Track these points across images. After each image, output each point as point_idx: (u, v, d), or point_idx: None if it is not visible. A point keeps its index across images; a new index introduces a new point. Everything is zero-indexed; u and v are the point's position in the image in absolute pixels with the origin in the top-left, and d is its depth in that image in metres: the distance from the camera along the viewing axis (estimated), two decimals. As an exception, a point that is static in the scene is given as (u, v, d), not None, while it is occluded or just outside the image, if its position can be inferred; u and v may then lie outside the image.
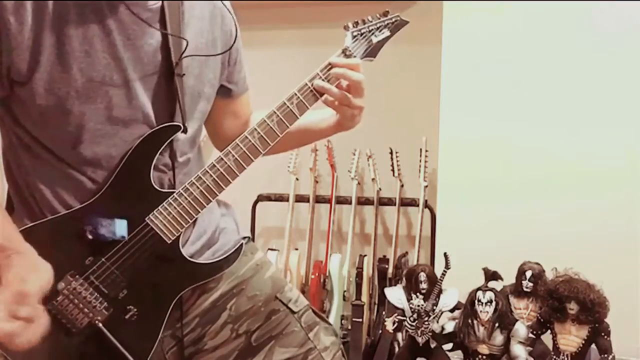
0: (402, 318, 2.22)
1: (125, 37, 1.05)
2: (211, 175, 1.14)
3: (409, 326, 2.19)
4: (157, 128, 1.10)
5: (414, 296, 2.21)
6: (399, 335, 2.39)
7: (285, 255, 2.84)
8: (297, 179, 2.93)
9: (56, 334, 1.08)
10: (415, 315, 2.17)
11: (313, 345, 1.26)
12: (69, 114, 1.03)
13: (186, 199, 1.12)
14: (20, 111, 1.05)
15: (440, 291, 2.18)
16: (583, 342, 2.05)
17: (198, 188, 1.13)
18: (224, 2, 1.23)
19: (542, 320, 2.14)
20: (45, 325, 0.97)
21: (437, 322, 2.19)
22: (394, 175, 2.85)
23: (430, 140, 2.71)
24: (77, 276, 1.08)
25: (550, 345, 2.13)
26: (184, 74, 1.12)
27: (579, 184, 2.37)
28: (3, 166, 1.14)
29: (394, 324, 2.23)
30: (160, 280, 1.09)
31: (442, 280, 2.15)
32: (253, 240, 1.37)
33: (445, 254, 2.11)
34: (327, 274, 2.82)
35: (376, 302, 2.80)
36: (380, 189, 2.90)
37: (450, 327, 2.23)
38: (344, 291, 2.82)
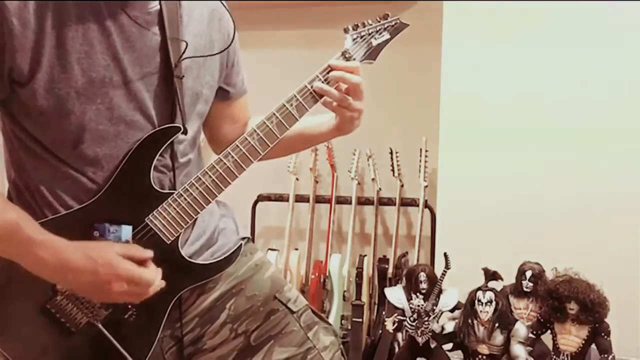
0: (402, 318, 2.22)
1: (124, 39, 1.06)
2: (210, 177, 1.14)
3: (409, 326, 2.19)
4: (157, 129, 1.11)
5: (414, 296, 2.21)
6: (399, 335, 2.39)
7: (285, 255, 2.84)
8: (297, 179, 2.94)
9: (55, 333, 1.09)
10: (415, 315, 2.17)
11: (312, 345, 1.26)
12: (69, 114, 1.04)
13: (186, 199, 1.13)
14: (20, 112, 1.06)
15: (440, 291, 2.18)
16: (583, 342, 2.05)
17: (198, 189, 1.14)
18: (223, 3, 1.23)
19: (542, 320, 2.14)
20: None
21: (437, 322, 2.20)
22: (394, 175, 2.85)
23: (430, 140, 2.71)
24: None
25: (550, 345, 2.13)
26: (183, 76, 1.13)
27: (579, 185, 2.37)
28: (5, 167, 1.14)
29: (394, 324, 2.23)
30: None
31: (442, 280, 2.15)
32: (253, 240, 1.37)
33: (445, 254, 2.11)
34: (327, 274, 2.82)
35: (376, 302, 2.80)
36: (380, 189, 2.90)
37: (450, 327, 2.23)
38: (344, 291, 2.82)
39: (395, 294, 2.27)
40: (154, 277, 1.06)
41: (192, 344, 1.23)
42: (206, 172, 1.15)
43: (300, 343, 1.26)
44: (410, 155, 2.81)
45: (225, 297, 1.25)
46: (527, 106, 2.43)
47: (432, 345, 2.18)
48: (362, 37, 1.27)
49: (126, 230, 1.07)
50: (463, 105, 2.50)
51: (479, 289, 2.14)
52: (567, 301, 2.04)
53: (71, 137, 1.06)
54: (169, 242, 1.12)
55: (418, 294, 2.22)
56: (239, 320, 1.24)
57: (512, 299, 2.26)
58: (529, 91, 2.43)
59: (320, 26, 3.00)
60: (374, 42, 1.28)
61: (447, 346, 2.23)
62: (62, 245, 1.00)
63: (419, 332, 2.16)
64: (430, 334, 2.16)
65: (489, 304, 2.11)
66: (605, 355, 2.03)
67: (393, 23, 1.31)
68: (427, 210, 2.79)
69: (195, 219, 1.16)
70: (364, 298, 2.72)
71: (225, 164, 1.15)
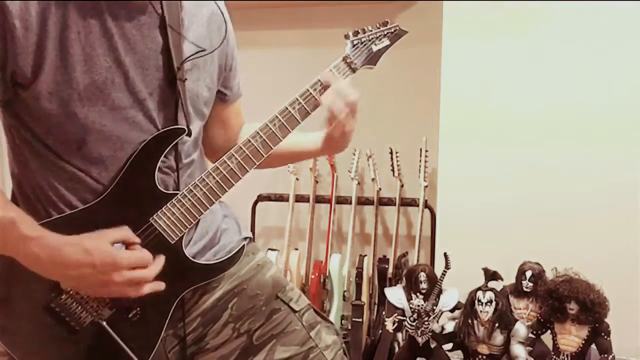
0: (402, 318, 2.22)
1: (125, 41, 1.06)
2: (214, 178, 1.15)
3: (409, 326, 2.19)
4: (162, 131, 1.12)
5: (414, 296, 2.21)
6: (399, 335, 2.39)
7: (285, 255, 2.84)
8: (297, 179, 2.94)
9: (60, 332, 1.10)
10: (415, 315, 2.17)
11: (314, 344, 1.27)
12: (72, 116, 1.04)
13: (190, 200, 1.14)
14: (24, 113, 1.06)
15: (440, 291, 2.19)
16: (583, 342, 2.06)
17: (202, 190, 1.15)
18: (219, 5, 1.24)
19: (542, 320, 2.15)
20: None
21: (437, 322, 2.20)
22: (394, 175, 2.85)
23: (430, 140, 2.71)
24: None
25: (550, 345, 2.14)
26: (186, 79, 1.14)
27: (579, 185, 2.37)
28: (8, 165, 1.15)
29: (394, 324, 2.23)
30: (163, 280, 1.10)
31: (442, 280, 2.15)
32: (253, 240, 1.38)
33: (445, 254, 2.11)
34: (327, 274, 2.83)
35: (376, 302, 2.80)
36: (380, 189, 2.90)
37: (450, 327, 2.23)
38: (344, 291, 2.83)
39: (395, 294, 2.28)
40: (150, 257, 1.07)
41: (194, 343, 1.24)
42: (210, 173, 1.16)
43: (303, 342, 1.26)
44: (410, 155, 2.82)
45: (227, 297, 1.25)
46: (527, 106, 2.43)
47: (432, 345, 2.18)
48: (362, 42, 1.28)
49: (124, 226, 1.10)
50: (463, 105, 2.50)
51: (479, 289, 2.15)
52: (567, 301, 2.04)
53: (75, 138, 1.06)
54: (173, 242, 1.13)
55: (418, 294, 2.22)
56: (241, 319, 1.25)
57: (512, 299, 2.26)
58: (529, 91, 2.43)
59: (320, 26, 3.00)
60: (374, 48, 1.30)
61: (447, 346, 2.24)
62: (57, 241, 1.01)
63: (419, 332, 2.16)
64: (430, 334, 2.17)
65: (489, 304, 2.12)
66: (605, 355, 2.03)
67: (393, 30, 1.33)
68: (427, 210, 2.79)
69: (199, 220, 1.17)
70: (364, 298, 2.73)
71: (228, 165, 1.16)
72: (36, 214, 1.07)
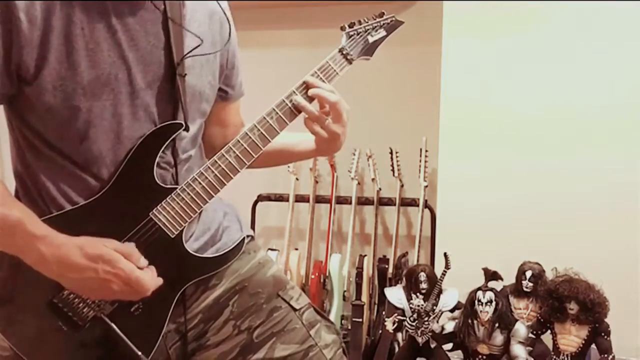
0: (402, 318, 2.22)
1: (129, 37, 1.07)
2: (213, 172, 1.16)
3: (409, 326, 2.19)
4: (160, 126, 1.13)
5: (414, 296, 2.21)
6: (399, 335, 2.39)
7: (285, 255, 2.84)
8: (297, 179, 2.94)
9: (62, 327, 1.10)
10: (415, 315, 2.17)
11: (314, 343, 1.27)
12: (76, 110, 1.05)
13: (189, 194, 1.14)
14: (26, 109, 1.07)
15: (440, 291, 2.19)
16: (583, 342, 2.06)
17: (200, 184, 1.15)
18: (223, 7, 1.25)
19: (542, 320, 2.15)
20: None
21: (437, 322, 2.20)
22: (394, 175, 2.85)
23: (430, 140, 2.72)
24: None
25: (550, 345, 2.14)
26: (185, 74, 1.14)
27: (579, 185, 2.37)
28: (11, 163, 1.15)
29: (394, 324, 2.24)
30: (164, 274, 1.10)
31: (442, 280, 2.15)
32: (254, 239, 1.38)
33: (445, 254, 2.11)
34: (327, 274, 2.83)
35: (376, 302, 2.80)
36: (380, 189, 2.90)
37: (450, 327, 2.23)
38: (344, 291, 2.82)
39: (395, 294, 2.28)
40: (150, 284, 1.07)
41: (195, 339, 1.24)
42: (209, 167, 1.16)
43: (302, 340, 1.26)
44: (410, 155, 2.82)
45: (228, 294, 1.26)
46: (527, 106, 2.43)
47: (432, 345, 2.18)
48: (358, 33, 1.29)
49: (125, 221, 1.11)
50: (463, 105, 2.51)
51: (479, 289, 2.15)
52: (567, 301, 2.04)
53: (77, 133, 1.07)
54: (173, 236, 1.13)
55: (418, 294, 2.22)
56: (242, 317, 1.25)
57: (512, 299, 2.26)
58: (529, 91, 2.43)
59: (320, 26, 3.00)
60: (370, 39, 1.30)
61: (447, 346, 2.24)
62: (63, 241, 1.01)
63: (419, 332, 2.16)
64: (430, 334, 2.17)
65: (489, 304, 2.12)
66: (605, 355, 2.03)
67: (389, 20, 1.34)
68: (427, 210, 2.79)
69: (199, 214, 1.17)
70: (364, 298, 2.72)
71: (227, 159, 1.16)
72: (38, 210, 1.08)
